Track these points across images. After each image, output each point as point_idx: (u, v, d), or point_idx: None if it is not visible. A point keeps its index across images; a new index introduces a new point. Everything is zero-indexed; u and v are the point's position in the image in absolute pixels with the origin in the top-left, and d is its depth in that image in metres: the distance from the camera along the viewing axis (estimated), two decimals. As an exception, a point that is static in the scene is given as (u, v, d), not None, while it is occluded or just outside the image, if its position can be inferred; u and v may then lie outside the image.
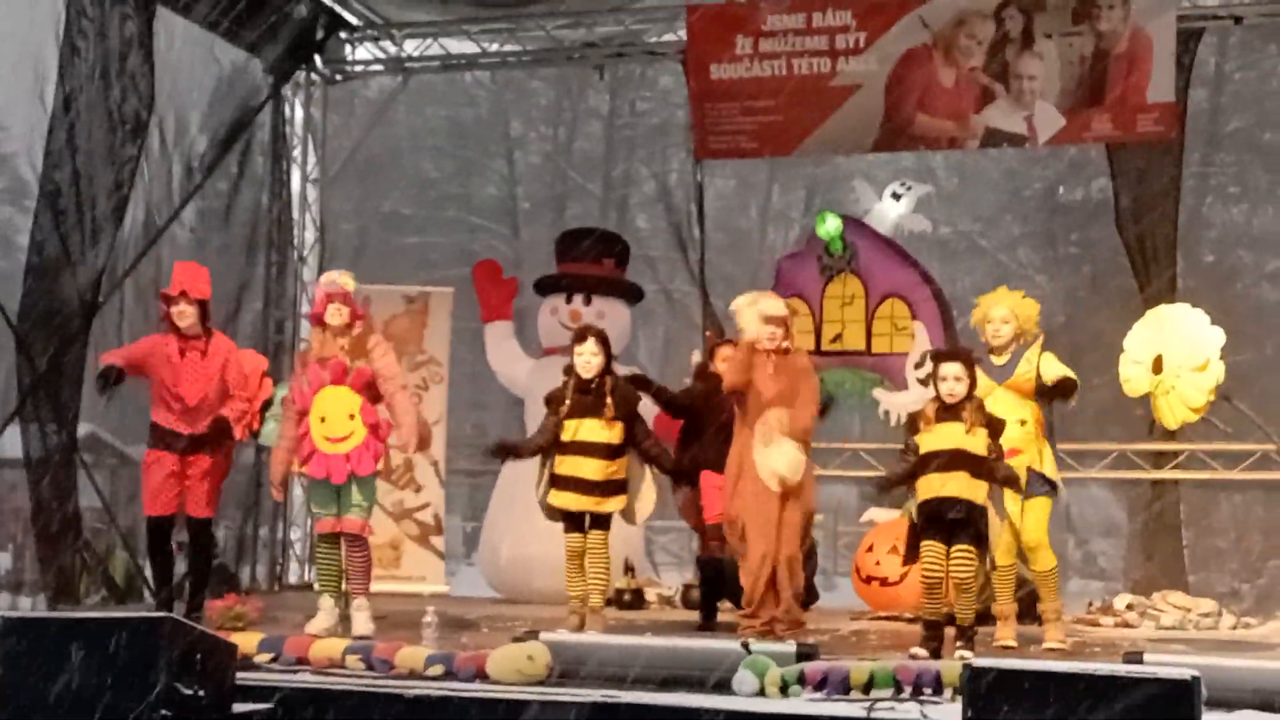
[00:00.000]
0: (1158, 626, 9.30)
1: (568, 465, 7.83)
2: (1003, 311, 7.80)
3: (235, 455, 8.97)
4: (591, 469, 7.79)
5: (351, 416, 7.69)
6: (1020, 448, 7.64)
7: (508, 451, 8.15)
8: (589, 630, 7.64)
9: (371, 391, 7.76)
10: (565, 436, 7.84)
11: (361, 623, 7.68)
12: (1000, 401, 7.62)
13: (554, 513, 7.97)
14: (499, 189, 22.21)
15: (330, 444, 7.64)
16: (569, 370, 7.98)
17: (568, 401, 7.86)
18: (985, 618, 8.10)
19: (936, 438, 7.12)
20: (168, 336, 8.20)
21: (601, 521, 7.91)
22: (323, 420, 7.66)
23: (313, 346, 7.86)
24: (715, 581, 8.63)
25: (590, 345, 7.89)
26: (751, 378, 7.56)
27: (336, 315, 7.76)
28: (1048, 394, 7.69)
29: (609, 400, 7.82)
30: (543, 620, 7.77)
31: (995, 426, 7.16)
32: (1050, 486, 7.70)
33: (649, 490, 8.03)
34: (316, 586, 8.18)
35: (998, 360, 7.79)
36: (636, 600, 10.26)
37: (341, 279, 7.89)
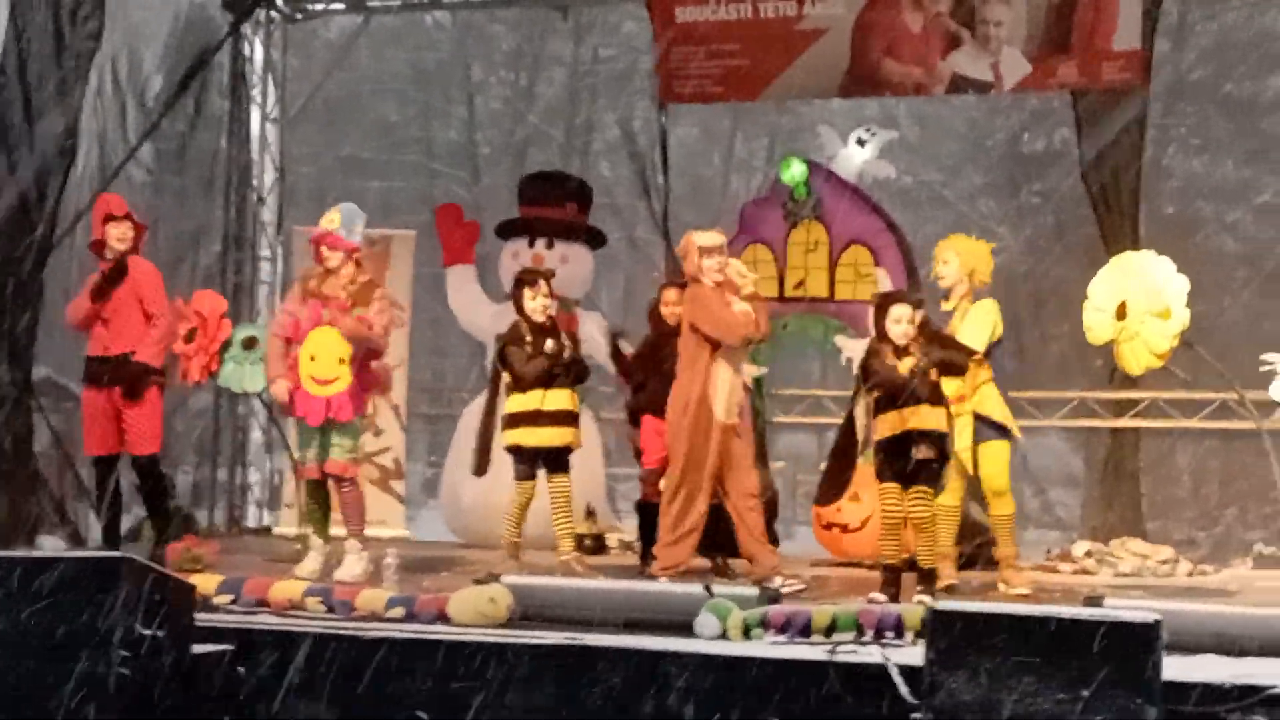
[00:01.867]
0: (1116, 573, 9.36)
1: (519, 401, 7.83)
2: (946, 253, 7.82)
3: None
4: (536, 400, 7.81)
5: (341, 361, 7.62)
6: (964, 394, 7.64)
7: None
8: (575, 575, 7.62)
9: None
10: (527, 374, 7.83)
11: (349, 566, 7.61)
12: None
13: (516, 467, 7.94)
14: (460, 134, 22.01)
15: (315, 384, 7.57)
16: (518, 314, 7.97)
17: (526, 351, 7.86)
18: (963, 561, 8.17)
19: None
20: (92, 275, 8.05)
21: (561, 465, 7.88)
22: (312, 359, 7.58)
23: (315, 277, 7.75)
24: (654, 526, 8.60)
25: (541, 289, 7.91)
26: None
27: (331, 258, 7.70)
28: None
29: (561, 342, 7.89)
30: (505, 564, 7.75)
31: (944, 342, 7.19)
32: (1001, 431, 7.70)
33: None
34: (306, 529, 8.10)
35: (945, 306, 7.82)
36: (598, 545, 10.25)
37: (326, 217, 7.81)
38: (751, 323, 7.59)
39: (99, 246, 8.06)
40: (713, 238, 7.75)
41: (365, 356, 7.73)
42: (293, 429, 7.99)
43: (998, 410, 7.73)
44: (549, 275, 8.07)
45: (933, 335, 7.22)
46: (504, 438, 7.93)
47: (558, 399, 7.81)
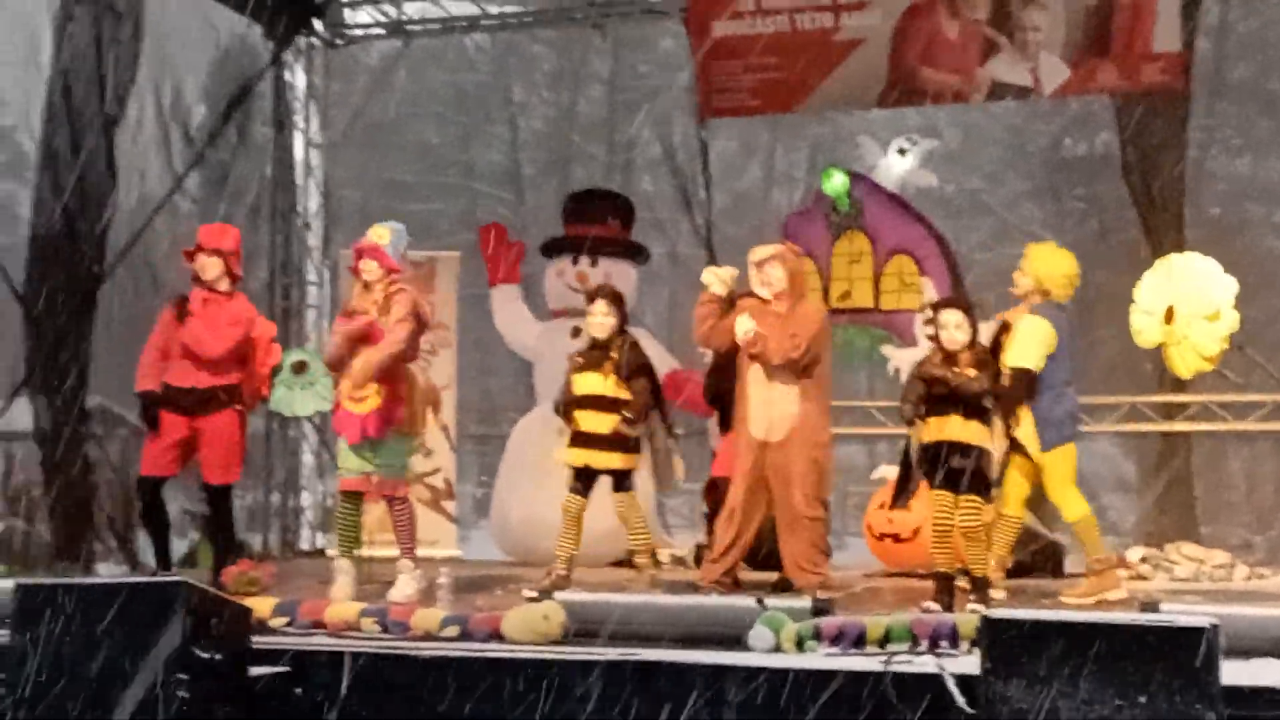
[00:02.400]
0: (1172, 578, 9.29)
1: (576, 421, 7.84)
2: (1022, 262, 7.71)
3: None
4: (593, 422, 7.77)
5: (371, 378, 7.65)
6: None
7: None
8: (645, 590, 7.63)
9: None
10: (575, 390, 7.85)
11: (400, 587, 7.61)
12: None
13: (570, 480, 7.95)
14: (502, 154, 22.13)
15: (351, 402, 7.62)
16: (577, 331, 7.97)
17: (578, 359, 7.87)
18: (1020, 569, 8.12)
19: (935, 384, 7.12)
20: (180, 299, 8.09)
21: (620, 482, 7.91)
22: (348, 377, 7.64)
23: (353, 297, 7.81)
24: None
25: (602, 306, 7.88)
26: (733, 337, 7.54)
27: (368, 271, 7.72)
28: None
29: (613, 356, 7.80)
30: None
31: (989, 368, 7.14)
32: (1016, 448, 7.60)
33: (678, 458, 8.02)
34: (335, 550, 8.08)
35: (1009, 316, 7.73)
36: (651, 561, 10.23)
37: (375, 231, 7.84)
38: (704, 332, 7.65)
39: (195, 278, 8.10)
40: (760, 251, 7.76)
41: (396, 364, 7.71)
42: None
43: (1023, 431, 7.63)
44: (609, 293, 8.05)
45: (984, 361, 7.17)
46: (560, 453, 7.95)
47: (594, 421, 7.80)
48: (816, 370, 7.55)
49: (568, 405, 7.89)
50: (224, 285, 8.04)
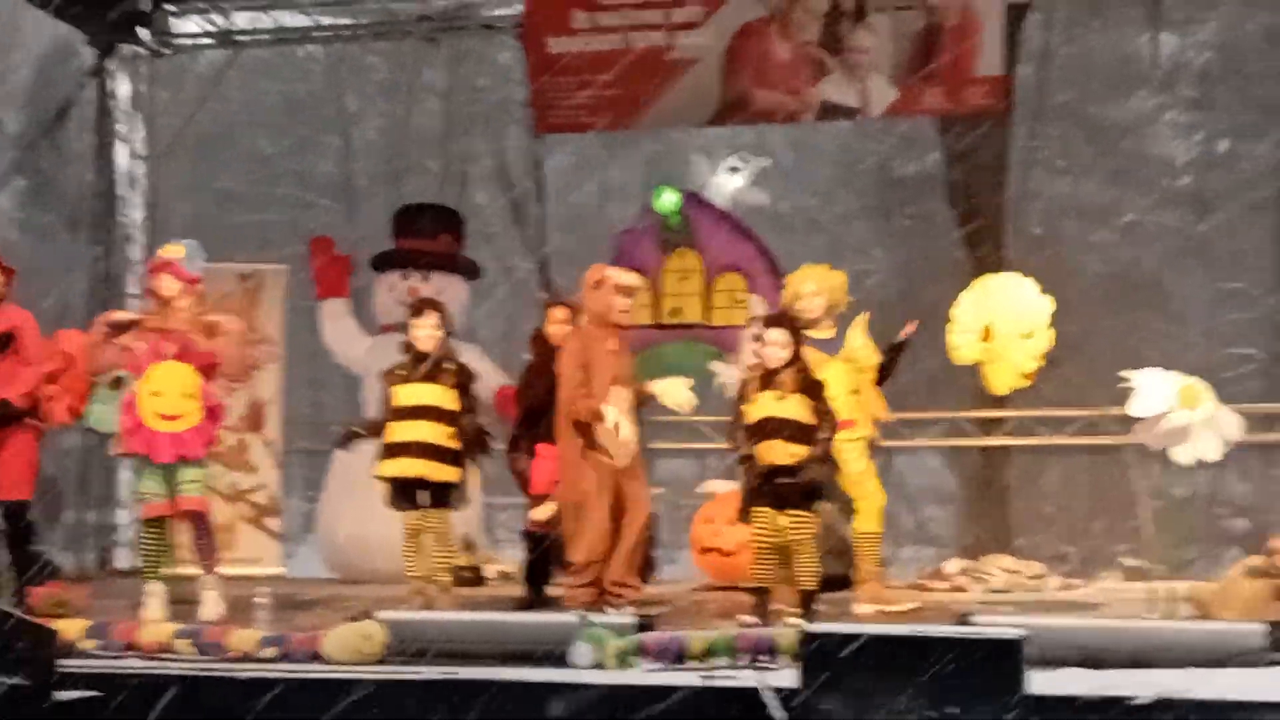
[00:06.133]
0: (987, 589, 9.52)
1: (399, 431, 7.71)
2: (811, 286, 8.01)
3: (60, 440, 8.68)
4: (427, 432, 7.68)
5: (190, 397, 7.48)
6: (854, 419, 7.82)
7: (352, 436, 8.00)
8: (438, 609, 7.55)
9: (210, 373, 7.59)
10: (399, 402, 7.74)
11: (209, 605, 7.47)
12: (833, 373, 7.78)
13: (388, 496, 7.85)
14: (335, 165, 21.80)
15: (162, 421, 7.42)
16: (408, 346, 7.90)
17: (399, 372, 7.79)
18: (839, 581, 8.29)
19: (755, 408, 7.19)
20: None
21: (441, 499, 7.82)
22: (156, 394, 7.43)
23: (155, 313, 7.62)
24: (543, 555, 8.55)
25: (431, 319, 7.81)
26: (589, 359, 7.53)
27: (166, 287, 7.55)
28: (888, 360, 7.90)
29: (445, 367, 7.75)
30: (382, 600, 7.68)
31: (812, 390, 7.23)
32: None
33: (474, 473, 7.98)
34: (143, 572, 7.89)
35: (818, 334, 7.94)
36: (476, 577, 10.19)
37: (167, 250, 7.69)
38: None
39: None
40: (631, 278, 7.79)
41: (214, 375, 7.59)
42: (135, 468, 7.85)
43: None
44: (440, 305, 8.00)
45: (808, 381, 7.27)
46: (381, 468, 7.84)
47: (428, 431, 7.72)
48: None
49: (376, 427, 7.79)
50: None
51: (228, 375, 7.68)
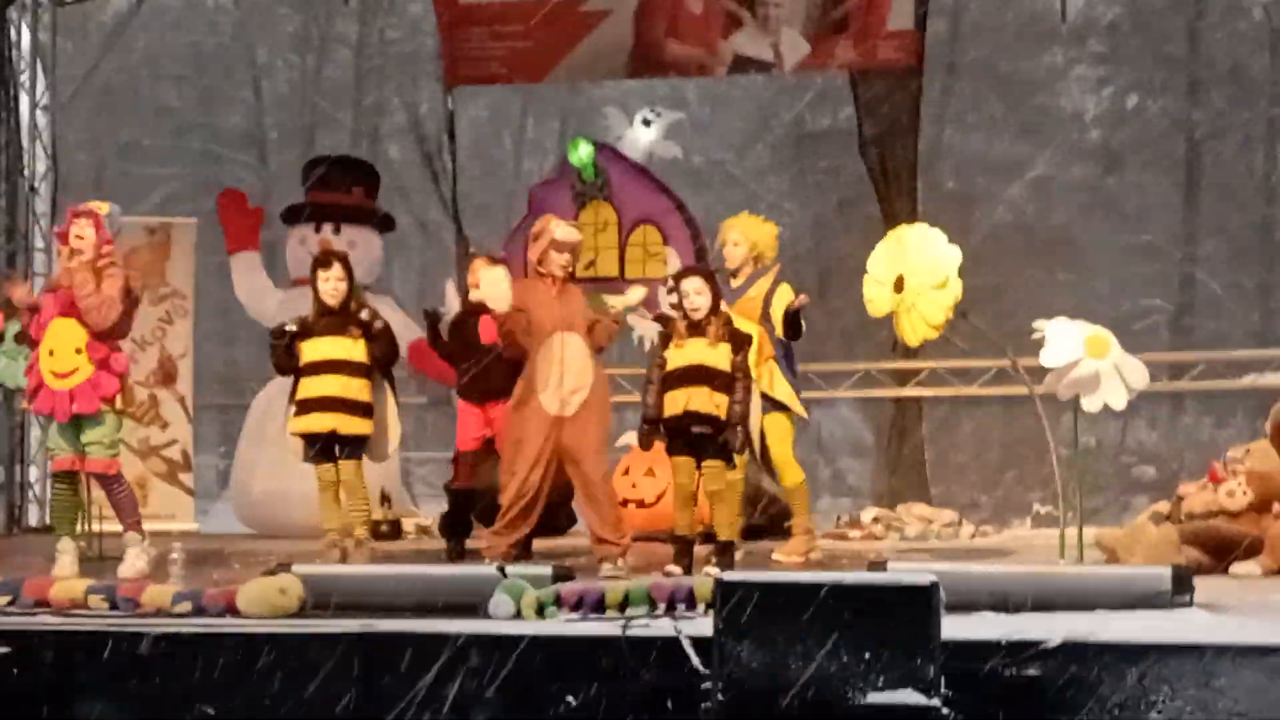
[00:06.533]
0: (902, 537, 9.66)
1: (310, 386, 7.64)
2: (735, 234, 8.13)
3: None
4: (335, 386, 7.61)
5: (78, 351, 7.33)
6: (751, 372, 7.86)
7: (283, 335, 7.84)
8: (354, 563, 7.53)
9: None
10: (307, 358, 7.67)
11: (129, 562, 7.39)
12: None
13: (305, 450, 7.80)
14: (245, 118, 21.54)
15: (56, 379, 7.28)
16: (316, 298, 7.82)
17: (309, 324, 7.71)
18: (755, 531, 8.38)
19: (680, 354, 7.22)
20: None
21: (353, 450, 7.77)
22: (51, 353, 7.31)
23: (58, 272, 7.49)
24: (463, 510, 8.55)
25: (336, 270, 7.74)
26: (527, 306, 7.47)
27: (78, 238, 7.39)
28: (783, 329, 7.96)
29: (360, 319, 7.68)
30: (298, 554, 7.61)
31: (739, 341, 7.27)
32: (777, 407, 7.95)
33: (395, 423, 7.92)
34: (55, 529, 7.78)
35: (734, 282, 8.07)
36: (394, 531, 10.17)
37: (97, 205, 7.56)
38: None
39: None
40: (572, 233, 7.70)
41: (104, 336, 7.43)
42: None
43: (780, 389, 7.97)
44: (343, 257, 7.93)
45: (731, 330, 7.29)
46: (293, 424, 7.78)
47: (338, 385, 7.65)
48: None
49: (297, 371, 7.70)
50: None
51: (90, 322, 7.43)
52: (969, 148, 19.17)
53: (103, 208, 7.51)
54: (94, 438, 7.41)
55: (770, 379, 7.98)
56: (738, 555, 7.68)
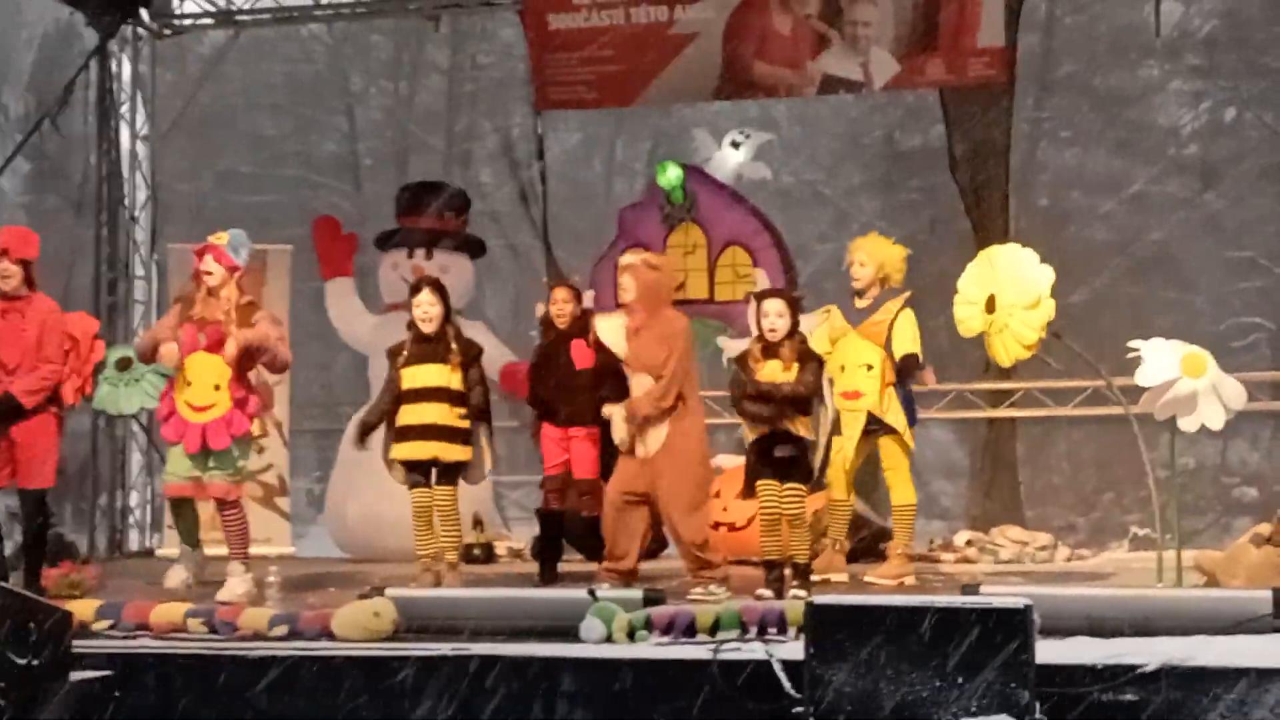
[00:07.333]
0: (996, 561, 9.54)
1: (410, 414, 7.73)
2: (862, 254, 8.12)
3: (70, 421, 8.66)
4: (435, 414, 7.70)
5: (217, 388, 7.54)
6: (863, 390, 7.86)
7: (368, 430, 7.99)
8: (447, 587, 7.60)
9: (244, 362, 7.62)
10: (406, 385, 7.75)
11: (230, 587, 7.49)
12: (852, 344, 7.89)
13: (401, 474, 7.88)
14: (339, 145, 21.83)
15: (192, 411, 7.50)
16: (410, 326, 7.91)
17: (405, 352, 7.80)
18: (848, 555, 8.34)
19: (760, 376, 7.19)
20: None
21: (448, 477, 7.84)
22: (188, 384, 7.50)
23: (196, 302, 7.65)
24: (554, 533, 8.59)
25: (427, 295, 7.82)
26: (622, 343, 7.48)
27: (207, 274, 7.62)
28: (896, 370, 7.95)
29: (452, 347, 7.75)
30: (392, 577, 7.71)
31: (810, 361, 7.23)
32: (890, 431, 7.94)
33: (488, 447, 7.97)
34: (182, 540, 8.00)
35: (859, 303, 8.07)
36: (487, 555, 10.22)
37: (215, 236, 7.75)
38: None
39: None
40: (625, 257, 7.78)
41: (252, 364, 7.65)
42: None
43: (893, 415, 8.00)
44: (437, 283, 8.00)
45: (805, 352, 7.27)
46: (393, 451, 7.87)
47: (436, 413, 7.73)
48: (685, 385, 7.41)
49: (397, 400, 7.80)
50: (23, 292, 7.81)
51: (266, 366, 7.71)
52: (1063, 164, 18.96)
53: (221, 238, 7.70)
54: (220, 464, 7.61)
55: (888, 404, 7.96)
56: (837, 579, 7.69)
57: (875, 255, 8.12)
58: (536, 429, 8.51)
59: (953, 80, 11.03)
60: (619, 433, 7.40)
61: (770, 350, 7.22)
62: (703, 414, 7.68)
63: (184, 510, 7.76)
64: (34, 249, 7.88)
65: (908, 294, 8.14)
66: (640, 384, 7.37)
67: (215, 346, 7.55)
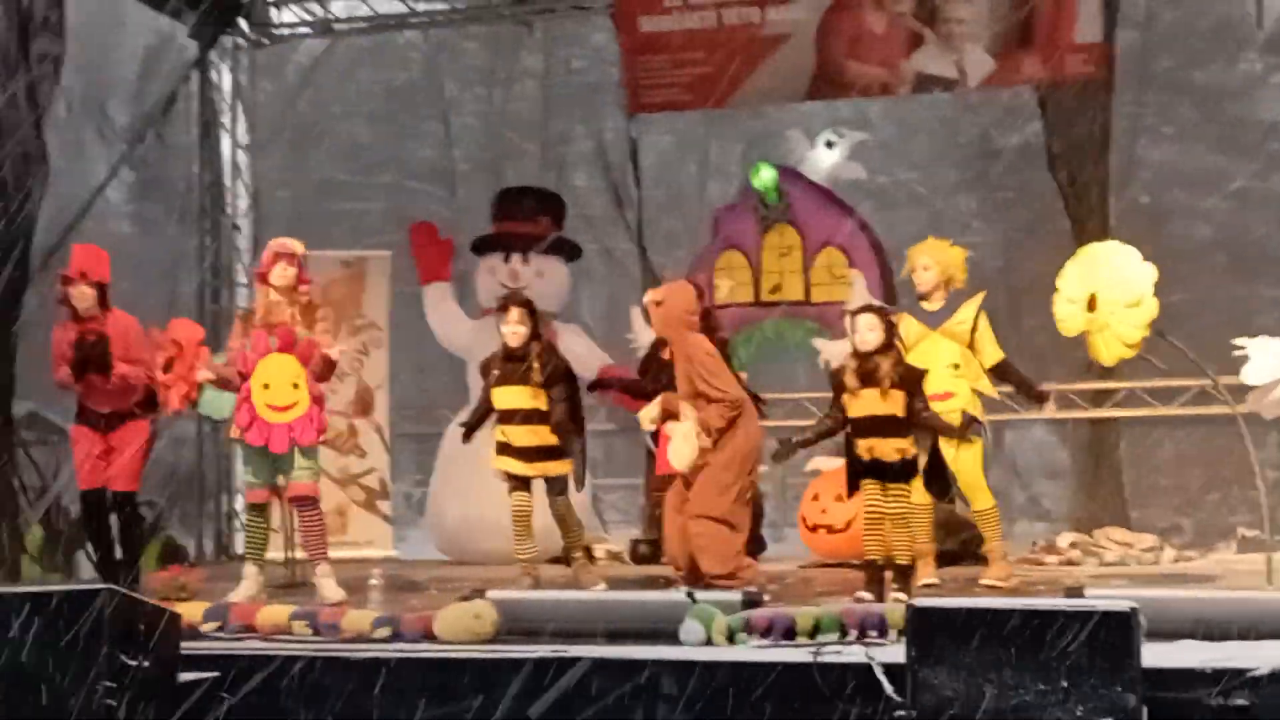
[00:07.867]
0: (1101, 563, 9.41)
1: (505, 434, 7.88)
2: (924, 259, 8.07)
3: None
4: (526, 436, 7.80)
5: (296, 386, 7.63)
6: (953, 390, 7.79)
7: (471, 430, 8.10)
8: (586, 584, 7.79)
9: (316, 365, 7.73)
10: (497, 404, 7.88)
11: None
12: (934, 346, 7.81)
13: (509, 480, 7.96)
14: (435, 151, 22.02)
15: (273, 412, 7.59)
16: (503, 345, 7.98)
17: (494, 371, 7.86)
18: (949, 557, 8.26)
19: (858, 404, 7.15)
20: (66, 325, 8.00)
21: (555, 489, 7.92)
22: (266, 387, 7.59)
23: (259, 309, 7.76)
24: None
25: (515, 315, 7.87)
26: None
27: (281, 276, 7.69)
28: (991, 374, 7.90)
29: (535, 366, 7.80)
30: (492, 580, 7.77)
31: (911, 380, 7.19)
32: (979, 426, 7.89)
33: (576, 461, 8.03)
34: (246, 554, 8.03)
35: (929, 306, 8.00)
36: (586, 558, 10.24)
37: (291, 241, 7.85)
38: None
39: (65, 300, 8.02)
40: (651, 292, 8.02)
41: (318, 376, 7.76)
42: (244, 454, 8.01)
43: (978, 409, 7.89)
44: (524, 301, 8.05)
45: (900, 364, 7.23)
46: (494, 462, 7.96)
47: (521, 435, 7.81)
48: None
49: (484, 417, 7.94)
50: (96, 313, 7.98)
51: (313, 372, 7.75)
52: (1163, 160, 18.67)
53: (299, 247, 7.79)
54: (304, 463, 7.69)
55: (977, 402, 7.91)
56: (936, 582, 7.62)
57: (938, 259, 8.07)
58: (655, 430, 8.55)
59: (1050, 77, 10.92)
60: (650, 412, 7.62)
61: (869, 377, 7.15)
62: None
63: (262, 518, 7.84)
64: (107, 270, 8.03)
65: (983, 294, 8.06)
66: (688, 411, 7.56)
67: (287, 347, 7.63)
